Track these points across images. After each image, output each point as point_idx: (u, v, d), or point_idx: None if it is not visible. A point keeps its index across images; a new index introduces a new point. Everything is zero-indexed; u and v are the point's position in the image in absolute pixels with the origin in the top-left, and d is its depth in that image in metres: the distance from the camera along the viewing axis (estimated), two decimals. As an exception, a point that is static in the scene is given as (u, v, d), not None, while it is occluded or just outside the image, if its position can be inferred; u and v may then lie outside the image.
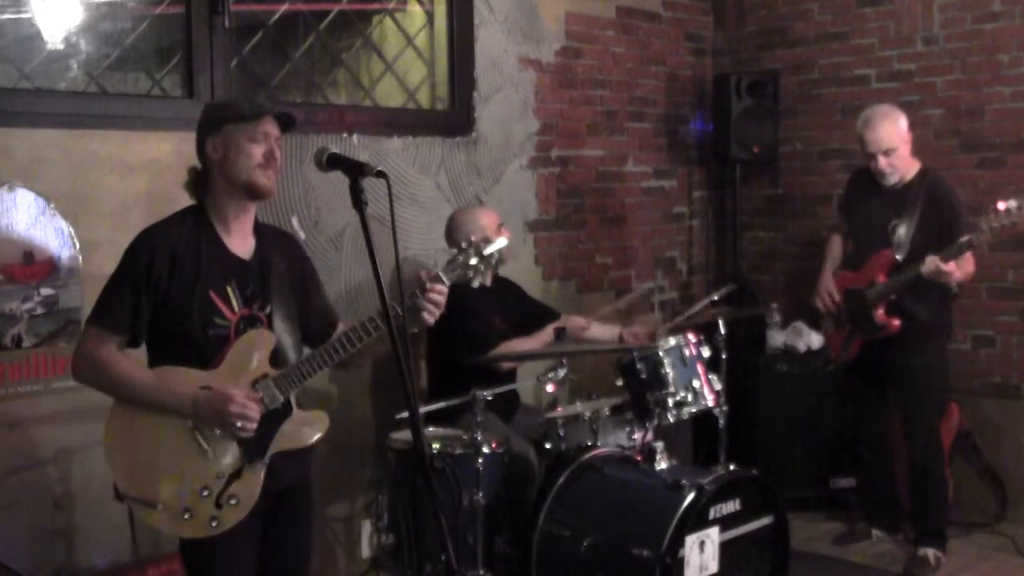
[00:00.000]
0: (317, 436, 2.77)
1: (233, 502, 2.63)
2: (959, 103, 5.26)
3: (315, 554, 4.33)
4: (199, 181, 2.75)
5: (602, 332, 4.53)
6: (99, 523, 3.66)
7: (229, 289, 2.68)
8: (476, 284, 2.78)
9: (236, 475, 2.64)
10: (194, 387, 2.61)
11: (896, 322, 4.41)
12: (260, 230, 2.82)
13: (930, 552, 4.50)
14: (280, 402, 2.68)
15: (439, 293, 2.70)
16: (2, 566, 3.34)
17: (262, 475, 2.66)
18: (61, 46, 3.83)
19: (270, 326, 2.72)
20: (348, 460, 4.42)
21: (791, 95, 5.86)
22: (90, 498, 3.63)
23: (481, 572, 3.65)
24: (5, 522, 3.50)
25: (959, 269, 4.24)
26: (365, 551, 4.48)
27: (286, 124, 2.76)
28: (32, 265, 3.55)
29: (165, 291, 2.62)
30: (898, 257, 4.39)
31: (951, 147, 5.25)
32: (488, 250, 2.75)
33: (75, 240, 3.63)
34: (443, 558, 2.49)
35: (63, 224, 3.62)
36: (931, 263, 4.18)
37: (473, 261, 2.74)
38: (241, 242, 2.75)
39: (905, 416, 4.58)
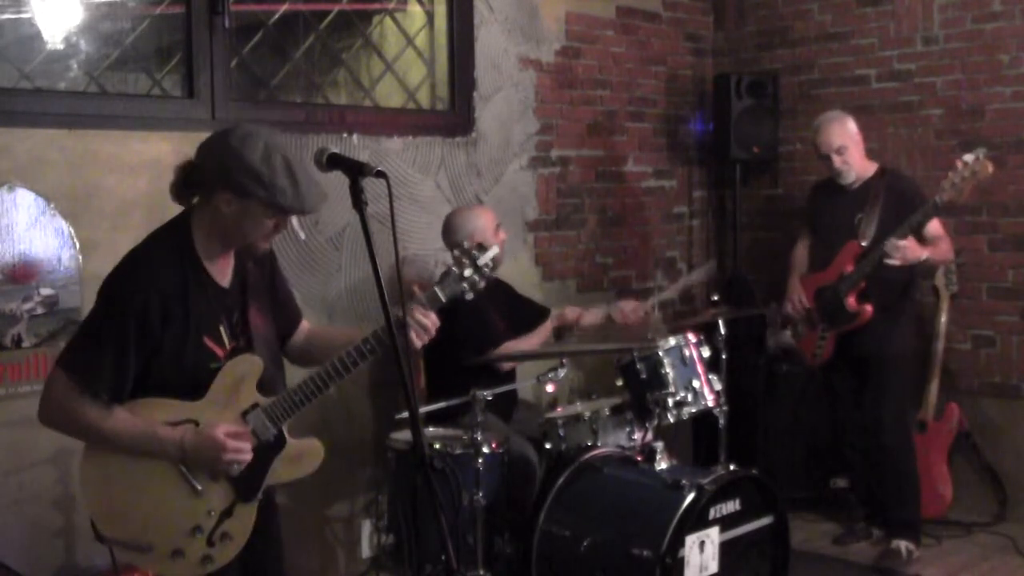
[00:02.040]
0: (313, 467, 2.63)
1: (226, 541, 2.50)
2: (959, 103, 5.26)
3: (314, 554, 4.35)
4: (192, 182, 2.47)
5: (592, 317, 4.63)
6: (99, 523, 3.66)
7: (221, 328, 2.51)
8: (470, 297, 2.68)
9: (228, 512, 2.50)
10: (177, 426, 2.43)
11: (869, 308, 4.46)
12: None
13: (902, 544, 4.54)
14: (272, 434, 2.54)
15: (430, 321, 2.59)
16: (2, 566, 3.34)
17: (255, 510, 2.54)
18: (61, 46, 3.83)
19: (250, 347, 2.56)
20: (348, 460, 4.41)
21: (791, 95, 5.86)
22: (90, 498, 3.63)
23: (481, 572, 3.65)
24: (5, 522, 3.50)
25: (929, 248, 4.33)
26: (365, 551, 4.48)
27: None
28: (32, 265, 3.55)
29: (157, 344, 2.41)
30: (863, 244, 4.46)
31: (951, 147, 5.25)
32: (482, 260, 2.64)
33: (75, 240, 3.63)
34: (443, 558, 2.49)
35: (63, 224, 3.62)
36: (889, 243, 4.26)
37: (468, 272, 2.63)
38: (224, 267, 2.56)
39: (875, 408, 4.59)
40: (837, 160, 4.56)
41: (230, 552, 2.50)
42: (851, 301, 4.49)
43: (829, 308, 4.59)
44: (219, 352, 2.49)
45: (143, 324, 2.37)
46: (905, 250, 4.26)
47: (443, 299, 2.61)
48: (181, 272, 2.45)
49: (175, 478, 2.46)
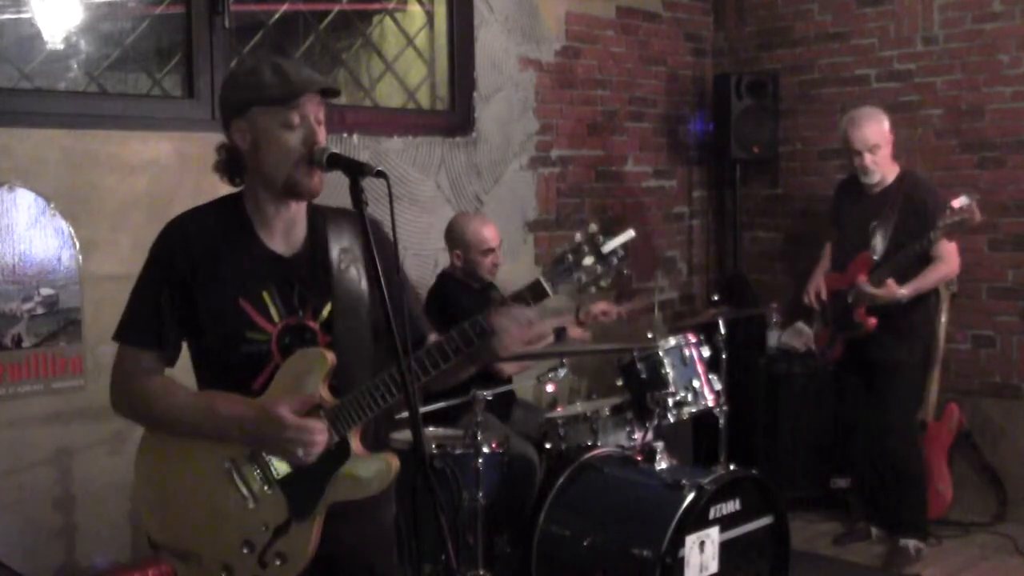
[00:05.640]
0: (382, 486, 2.23)
1: (279, 563, 2.16)
2: (959, 103, 5.26)
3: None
4: (232, 161, 2.24)
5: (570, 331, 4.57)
6: (99, 523, 3.66)
7: (266, 295, 2.20)
8: (593, 291, 2.24)
9: (283, 529, 2.17)
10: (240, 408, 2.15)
11: (873, 321, 4.47)
12: (320, 216, 2.33)
13: (911, 543, 4.53)
14: (334, 442, 2.16)
15: (522, 317, 2.17)
16: (2, 566, 3.34)
17: (315, 530, 2.17)
18: (61, 46, 3.83)
19: (329, 338, 2.23)
20: (348, 460, 4.41)
21: (791, 95, 5.86)
22: (90, 498, 3.63)
23: (481, 572, 3.65)
24: (5, 522, 3.50)
25: (921, 277, 4.36)
26: (365, 551, 4.47)
27: (327, 93, 2.24)
28: (32, 265, 3.55)
29: (188, 296, 2.18)
30: (875, 258, 4.46)
31: (951, 147, 5.25)
32: (608, 247, 2.17)
33: (75, 240, 3.63)
34: (443, 558, 2.46)
35: (63, 224, 3.62)
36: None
37: (588, 261, 2.17)
38: (284, 236, 2.26)
39: (881, 411, 4.57)
40: (868, 158, 4.46)
41: None
42: (859, 312, 4.49)
43: (839, 313, 4.61)
44: (261, 322, 2.18)
45: (169, 267, 2.19)
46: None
47: (549, 292, 2.20)
48: (223, 225, 2.23)
49: (226, 482, 2.19)
